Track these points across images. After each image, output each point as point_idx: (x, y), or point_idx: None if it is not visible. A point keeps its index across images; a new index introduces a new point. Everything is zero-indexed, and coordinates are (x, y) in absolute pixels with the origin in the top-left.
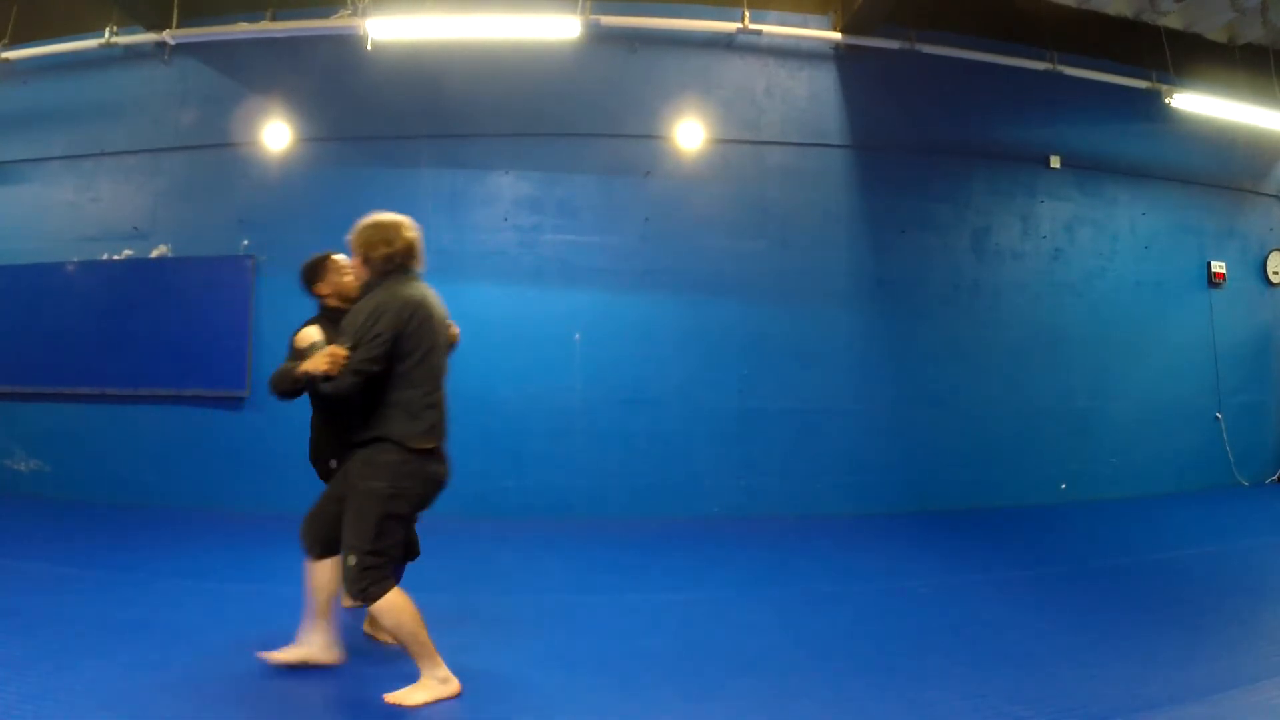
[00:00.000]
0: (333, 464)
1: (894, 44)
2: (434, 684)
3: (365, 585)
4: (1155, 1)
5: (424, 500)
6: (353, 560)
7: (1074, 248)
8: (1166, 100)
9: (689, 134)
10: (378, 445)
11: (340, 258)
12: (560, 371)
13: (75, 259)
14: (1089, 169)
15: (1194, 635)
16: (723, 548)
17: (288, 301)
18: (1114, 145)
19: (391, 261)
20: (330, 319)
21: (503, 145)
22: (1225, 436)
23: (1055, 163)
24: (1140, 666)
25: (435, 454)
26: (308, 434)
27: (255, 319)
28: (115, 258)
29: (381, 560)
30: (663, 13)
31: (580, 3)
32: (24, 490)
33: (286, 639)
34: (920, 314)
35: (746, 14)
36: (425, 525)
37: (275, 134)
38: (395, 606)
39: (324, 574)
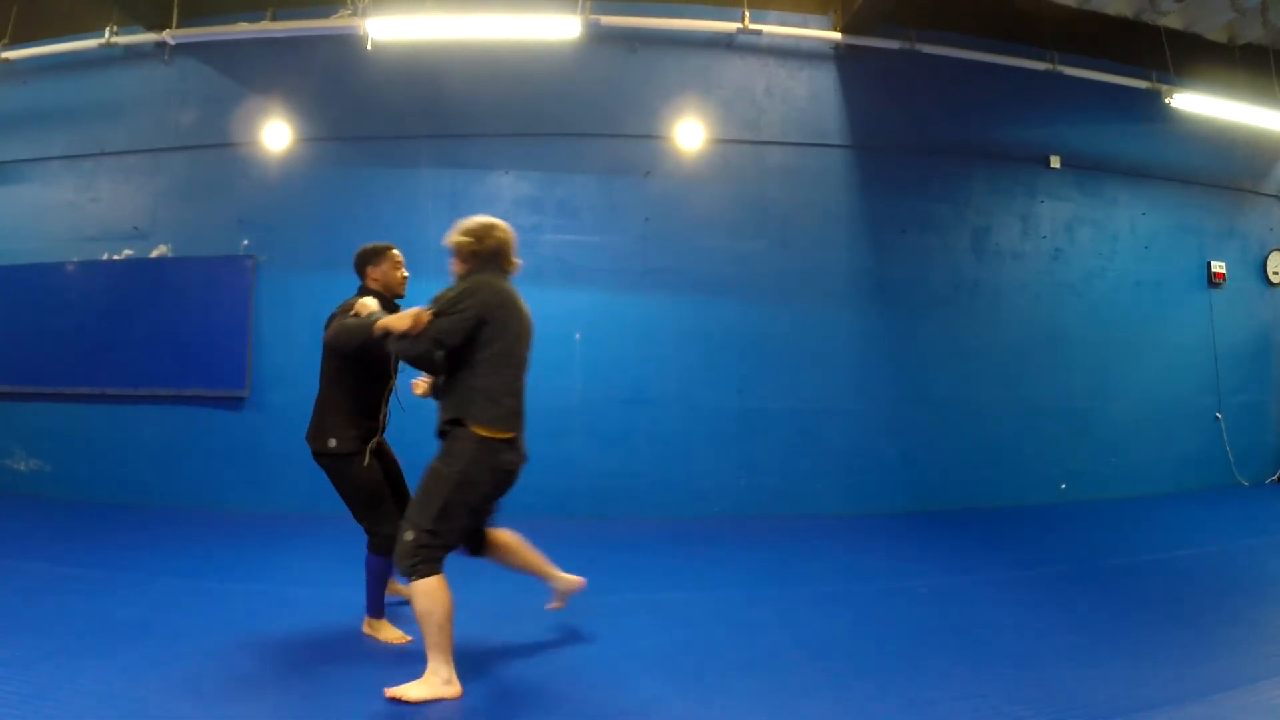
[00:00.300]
0: (331, 443)
1: (894, 44)
2: (437, 682)
3: (416, 563)
4: (1155, 1)
5: (497, 489)
6: (410, 536)
7: (1074, 248)
8: (1166, 100)
9: (689, 134)
10: (457, 430)
11: (399, 253)
12: (560, 371)
13: (75, 259)
14: (1089, 169)
15: (1194, 635)
16: (723, 548)
17: (288, 301)
18: (1114, 145)
19: (478, 257)
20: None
21: (503, 145)
22: (1225, 436)
23: (1055, 163)
24: (1140, 666)
25: (511, 443)
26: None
27: (255, 319)
28: (115, 258)
29: (437, 542)
30: (663, 13)
31: (580, 3)
32: (24, 490)
33: (286, 639)
34: (920, 314)
35: (746, 14)
36: None
37: (275, 134)
38: (435, 592)
39: (508, 558)
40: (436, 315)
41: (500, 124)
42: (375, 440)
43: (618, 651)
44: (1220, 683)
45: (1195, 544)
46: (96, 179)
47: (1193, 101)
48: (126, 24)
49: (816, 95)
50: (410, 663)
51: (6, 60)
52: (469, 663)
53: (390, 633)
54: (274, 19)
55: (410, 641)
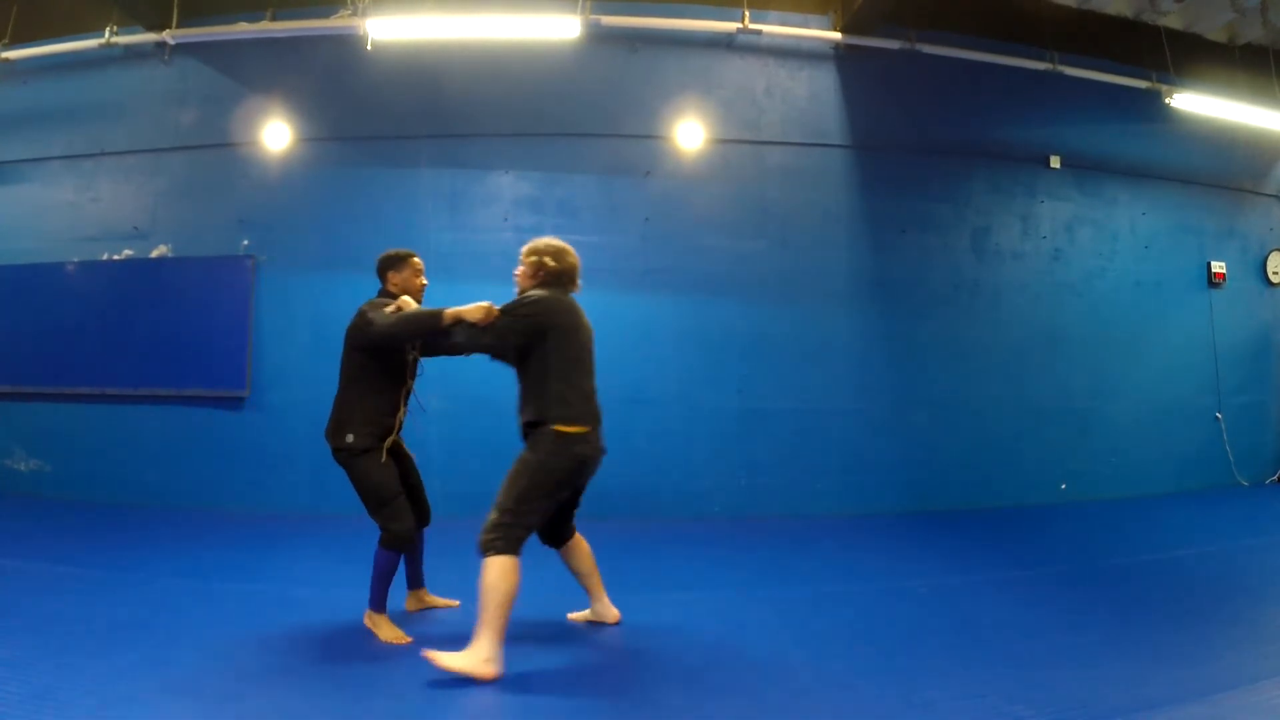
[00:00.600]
0: (349, 439)
1: (894, 44)
2: (478, 659)
3: (494, 538)
4: (1155, 1)
5: (572, 475)
6: (494, 515)
7: (1074, 248)
8: (1166, 100)
9: (689, 134)
10: (538, 430)
11: (420, 261)
12: None
13: (75, 259)
14: (1089, 169)
15: (1194, 635)
16: (723, 548)
17: (288, 301)
18: (1114, 145)
19: (550, 274)
20: None
21: (503, 145)
22: (1225, 436)
23: (1055, 163)
24: (1140, 666)
25: (586, 436)
26: (307, 434)
27: (255, 319)
28: (115, 258)
29: (517, 522)
30: (663, 13)
31: (580, 3)
32: (24, 490)
33: (286, 639)
34: (920, 314)
35: (746, 14)
36: (429, 526)
37: (275, 134)
38: (506, 571)
39: (573, 560)
40: (503, 313)
41: (500, 124)
42: (392, 439)
43: (617, 651)
44: (1220, 683)
45: (1195, 544)
46: (96, 179)
47: (1193, 101)
48: (126, 24)
49: (816, 95)
50: (410, 663)
51: (6, 60)
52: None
53: (389, 630)
54: (274, 19)
55: (410, 643)
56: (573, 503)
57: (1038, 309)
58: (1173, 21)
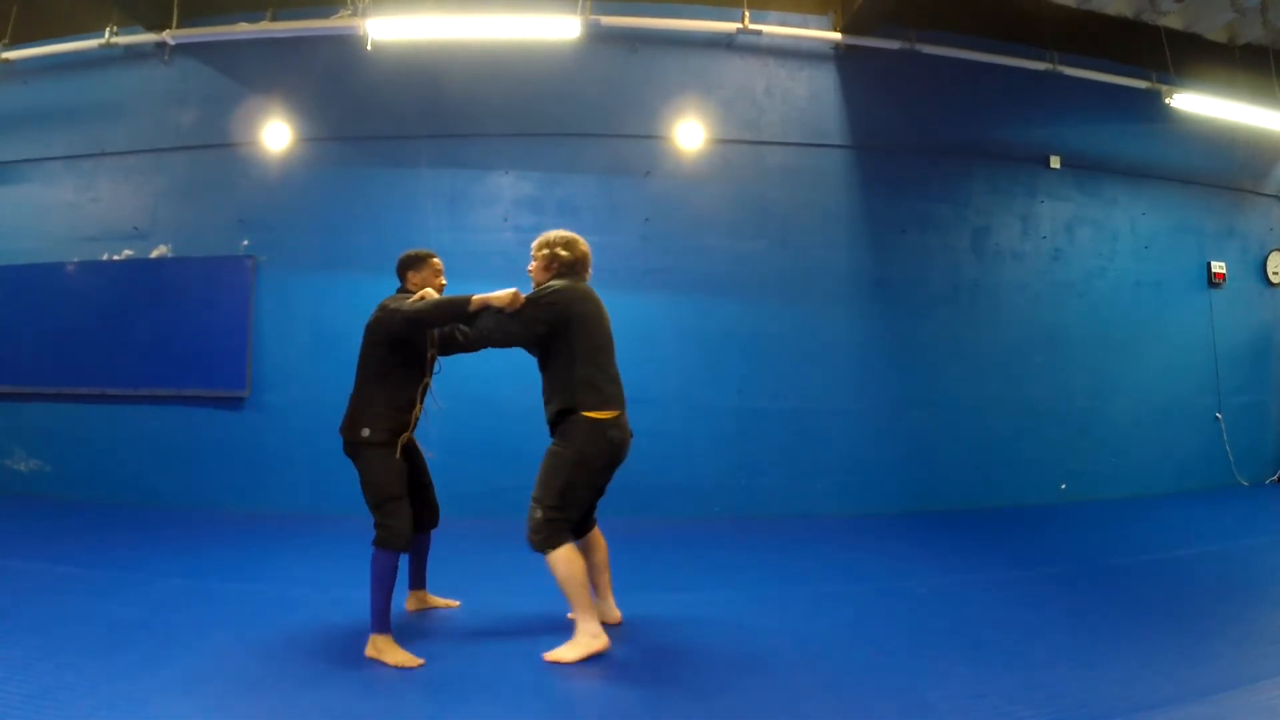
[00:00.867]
0: (364, 432)
1: (894, 44)
2: (587, 639)
3: (547, 535)
4: (1155, 1)
5: (609, 463)
6: (539, 514)
7: (1074, 248)
8: (1166, 100)
9: (689, 134)
10: (569, 418)
11: (439, 262)
12: None
13: (75, 259)
14: (1089, 169)
15: (1194, 635)
16: (723, 548)
17: (288, 301)
18: (1114, 145)
19: (564, 264)
20: None
21: (503, 145)
22: (1225, 436)
23: (1055, 163)
24: (1140, 666)
25: (616, 421)
26: (307, 434)
27: (255, 319)
28: (115, 258)
29: (563, 516)
30: (663, 13)
31: (580, 3)
32: (24, 490)
33: (286, 639)
34: (920, 314)
35: (746, 14)
36: (436, 528)
37: (275, 134)
38: (572, 559)
39: (589, 554)
40: (528, 302)
41: (500, 124)
42: (407, 435)
43: (617, 652)
44: (1220, 683)
45: (1195, 544)
46: (96, 179)
47: (1193, 101)
48: (126, 24)
49: (816, 95)
50: (421, 656)
51: (6, 60)
52: (465, 664)
53: (397, 654)
54: (274, 19)
55: (423, 665)
56: (597, 494)
57: (1038, 309)
58: (1173, 21)
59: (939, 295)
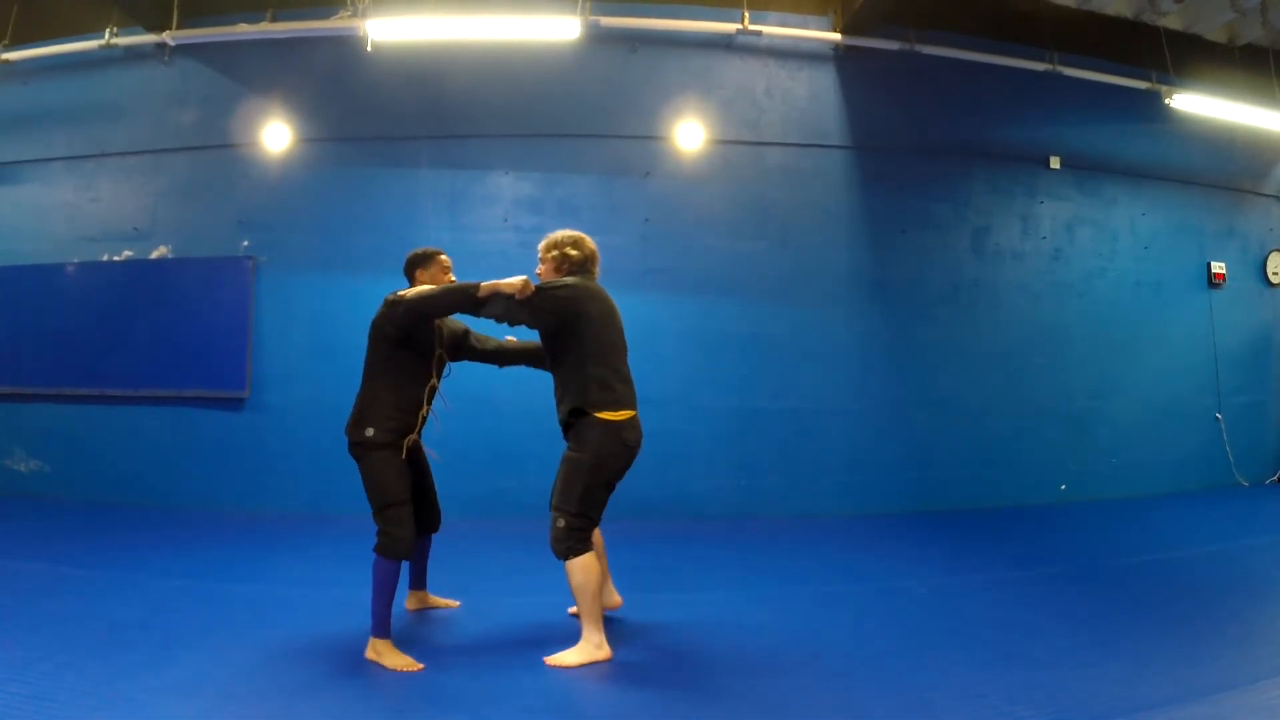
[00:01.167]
0: (369, 432)
1: (894, 44)
2: (590, 648)
3: (571, 544)
4: (1155, 2)
5: (625, 464)
6: (561, 522)
7: (1074, 248)
8: (1166, 100)
9: (689, 134)
10: (582, 420)
11: (447, 259)
12: None
13: (75, 260)
14: (1089, 169)
15: (1194, 635)
16: (723, 548)
17: (288, 302)
18: (1114, 145)
19: (574, 263)
20: None
21: (503, 145)
22: (1225, 436)
23: (1055, 163)
24: (1140, 666)
25: (631, 422)
26: (307, 435)
27: (255, 319)
28: (115, 258)
29: (586, 523)
30: (663, 13)
31: (580, 3)
32: (24, 490)
33: (286, 639)
34: (920, 314)
35: (746, 15)
36: (437, 532)
37: (275, 134)
38: (588, 567)
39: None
40: (539, 291)
41: (500, 124)
42: (413, 437)
43: (617, 652)
44: (1220, 683)
45: (1195, 544)
46: (97, 180)
47: (1192, 102)
48: (126, 25)
49: (816, 95)
50: (418, 658)
51: (7, 61)
52: (462, 663)
53: (397, 658)
54: (274, 20)
55: (422, 670)
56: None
57: (1038, 309)
58: (1172, 22)
59: (939, 295)
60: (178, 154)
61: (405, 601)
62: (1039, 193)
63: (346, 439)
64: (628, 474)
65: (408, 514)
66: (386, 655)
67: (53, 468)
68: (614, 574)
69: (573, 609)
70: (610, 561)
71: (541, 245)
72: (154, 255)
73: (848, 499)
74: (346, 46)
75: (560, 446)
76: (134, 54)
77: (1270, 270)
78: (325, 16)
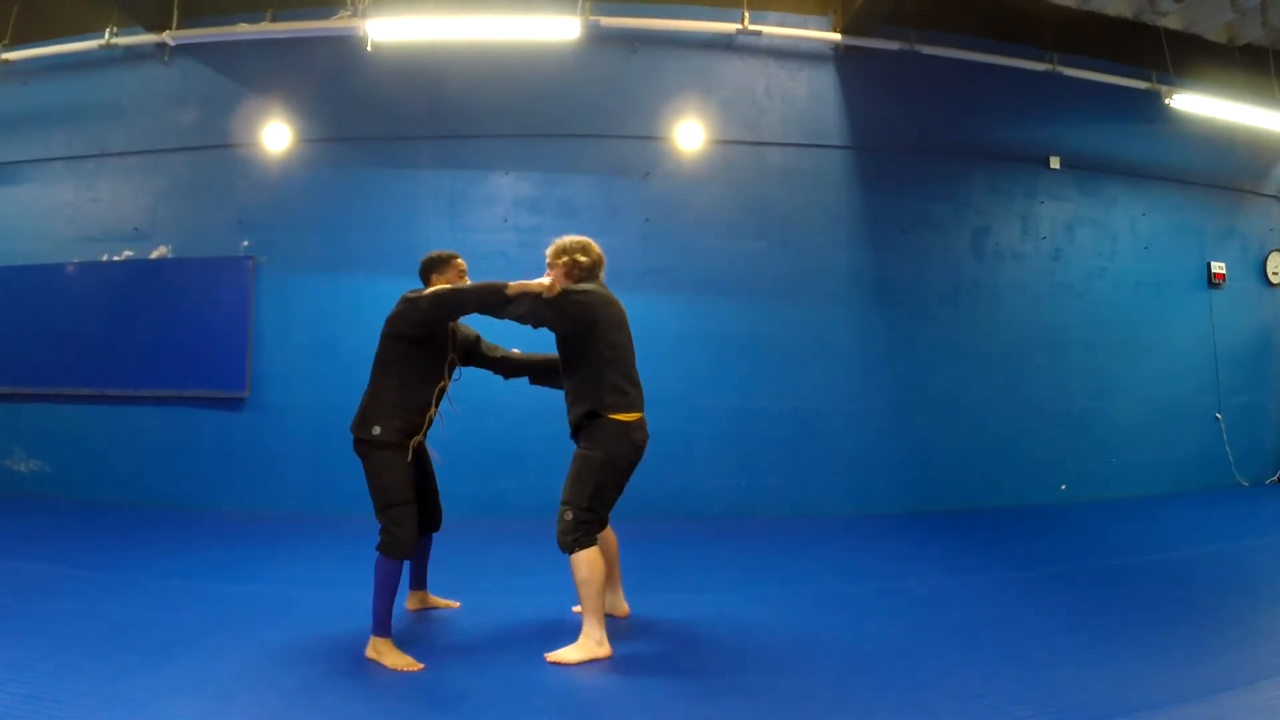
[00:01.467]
0: (375, 430)
1: (894, 44)
2: (591, 644)
3: (577, 537)
4: (1155, 2)
5: (634, 463)
6: (570, 516)
7: (1074, 248)
8: (1166, 100)
9: (689, 134)
10: (595, 421)
11: (463, 263)
12: None
13: (75, 260)
14: (1089, 169)
15: (1194, 635)
16: (723, 548)
17: (288, 302)
18: (1114, 145)
19: (584, 269)
20: None
21: (503, 146)
22: (1225, 437)
23: (1055, 163)
24: (1140, 666)
25: (641, 423)
26: (307, 435)
27: (255, 319)
28: (115, 258)
29: (594, 517)
30: (663, 13)
31: (580, 3)
32: (24, 490)
33: (286, 640)
34: (920, 314)
35: (746, 15)
36: (438, 532)
37: (275, 134)
38: (593, 562)
39: (604, 549)
40: (564, 292)
41: (500, 124)
42: (419, 438)
43: (616, 652)
44: (1220, 683)
45: (1195, 544)
46: (97, 180)
47: (1192, 102)
48: (126, 25)
49: (816, 95)
50: (419, 657)
51: (7, 61)
52: (457, 665)
53: (397, 658)
54: (274, 19)
55: (423, 669)
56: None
57: (1038, 309)
58: (1172, 22)
59: (939, 295)
60: (178, 154)
61: (406, 601)
62: (1039, 193)
63: (352, 436)
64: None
65: (411, 514)
66: (387, 654)
67: (53, 468)
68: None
69: (577, 607)
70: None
71: (550, 251)
72: (154, 255)
73: (848, 499)
74: (346, 46)
75: (560, 448)
76: (134, 54)
77: (1270, 270)
78: (325, 16)
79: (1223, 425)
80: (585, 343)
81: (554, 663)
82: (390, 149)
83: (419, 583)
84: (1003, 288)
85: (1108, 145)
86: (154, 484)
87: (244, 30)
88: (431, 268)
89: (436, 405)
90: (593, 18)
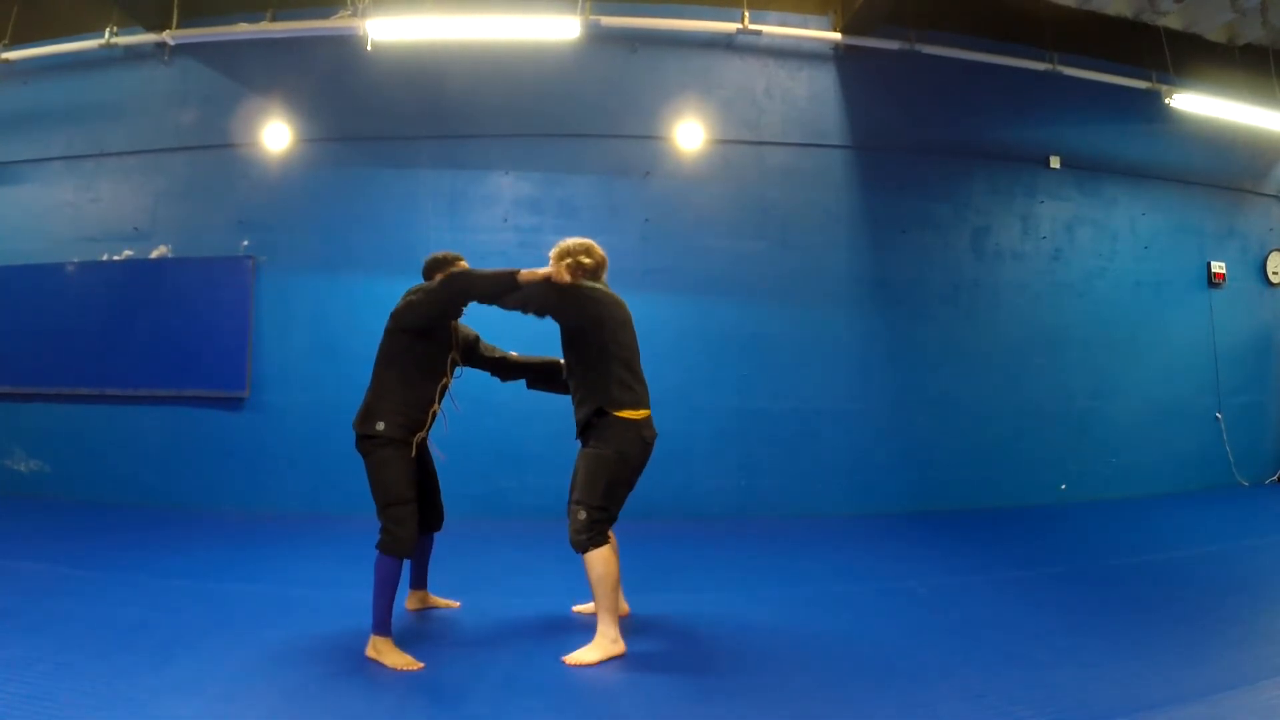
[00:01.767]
0: (379, 426)
1: (894, 44)
2: (606, 643)
3: (591, 535)
4: (1155, 1)
5: (643, 460)
6: (582, 515)
7: (1074, 248)
8: (1166, 100)
9: (689, 134)
10: (604, 419)
11: (465, 264)
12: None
13: (75, 259)
14: (1089, 169)
15: (1194, 635)
16: (722, 548)
17: (288, 302)
18: (1114, 145)
19: (588, 271)
20: None
21: (503, 146)
22: (1225, 436)
23: (1055, 163)
24: (1140, 666)
25: (648, 420)
26: (307, 435)
27: (255, 319)
28: (115, 258)
29: (606, 515)
30: (663, 13)
31: (580, 3)
32: (24, 490)
33: (286, 640)
34: (920, 314)
35: (746, 14)
36: (439, 531)
37: (275, 134)
38: (607, 560)
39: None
40: (573, 284)
41: (500, 124)
42: (422, 434)
43: None
44: (1220, 683)
45: (1195, 544)
46: (97, 180)
47: (1192, 101)
48: (126, 24)
49: (816, 95)
50: (419, 657)
51: (6, 61)
52: (457, 665)
53: (397, 657)
54: (274, 19)
55: (423, 668)
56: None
57: (1038, 309)
58: (1172, 22)
59: (939, 295)
60: (177, 154)
61: (406, 601)
62: (1039, 193)
63: (354, 433)
64: None
65: (411, 512)
66: (387, 654)
67: (53, 468)
68: None
69: (577, 607)
70: None
71: (553, 252)
72: (154, 255)
73: (848, 499)
74: (346, 46)
75: (560, 448)
76: (134, 54)
77: (1270, 270)
78: (325, 16)
79: (1223, 425)
80: (592, 340)
81: (573, 665)
82: (390, 149)
83: (419, 582)
84: (1003, 288)
85: (1108, 145)
86: (154, 484)
87: (244, 30)
88: (436, 268)
89: (439, 402)
90: (593, 17)
